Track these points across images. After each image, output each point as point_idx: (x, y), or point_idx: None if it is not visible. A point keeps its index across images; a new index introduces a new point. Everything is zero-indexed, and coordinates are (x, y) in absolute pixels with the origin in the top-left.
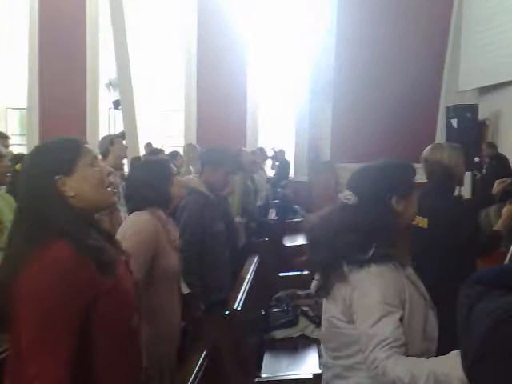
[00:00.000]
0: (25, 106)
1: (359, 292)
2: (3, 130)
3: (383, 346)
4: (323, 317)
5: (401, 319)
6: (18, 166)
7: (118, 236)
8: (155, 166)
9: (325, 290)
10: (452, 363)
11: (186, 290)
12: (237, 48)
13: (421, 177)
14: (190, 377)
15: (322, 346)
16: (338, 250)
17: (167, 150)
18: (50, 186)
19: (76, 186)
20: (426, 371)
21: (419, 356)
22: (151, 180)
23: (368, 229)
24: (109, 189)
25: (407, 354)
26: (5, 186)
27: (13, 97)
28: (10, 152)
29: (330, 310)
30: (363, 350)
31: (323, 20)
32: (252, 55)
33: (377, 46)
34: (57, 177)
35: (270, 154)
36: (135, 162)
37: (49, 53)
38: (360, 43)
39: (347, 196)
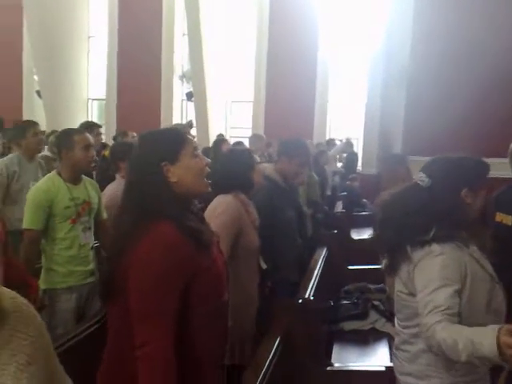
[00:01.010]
0: (104, 96)
1: (420, 266)
2: (84, 119)
3: (436, 312)
4: (394, 291)
5: (457, 292)
6: (106, 153)
7: (206, 217)
8: (241, 154)
9: (392, 268)
10: (488, 335)
11: (264, 265)
12: (307, 42)
13: (498, 173)
14: (266, 362)
15: (395, 315)
16: (403, 232)
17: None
18: (157, 172)
19: (179, 173)
20: (465, 336)
21: None
22: (237, 167)
23: (435, 213)
24: (205, 178)
25: (459, 323)
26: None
27: (93, 88)
28: (101, 139)
29: (397, 285)
30: (420, 314)
31: (399, 4)
32: (322, 46)
33: (458, 30)
34: (163, 163)
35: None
36: (206, 151)
37: (126, 46)
38: (439, 26)
39: (421, 178)
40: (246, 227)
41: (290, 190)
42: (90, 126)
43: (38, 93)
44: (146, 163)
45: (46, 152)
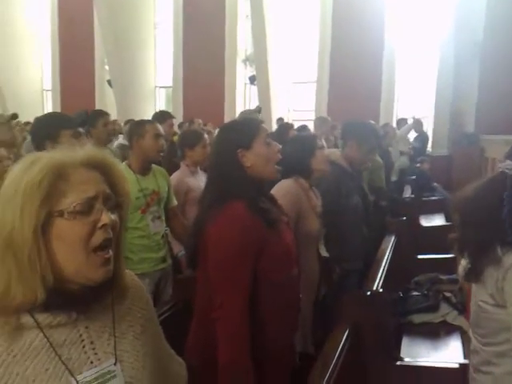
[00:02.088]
0: (170, 84)
1: None
2: (152, 107)
3: None
4: (472, 301)
5: None
6: (174, 138)
7: None
8: (301, 140)
9: (474, 273)
10: None
11: (324, 252)
12: (373, 18)
13: None
14: (334, 357)
15: (470, 330)
16: (492, 231)
17: (298, 124)
18: (233, 158)
19: (252, 158)
20: None
21: None
22: (296, 153)
23: None
24: (275, 165)
25: None
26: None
27: (160, 76)
28: (173, 130)
29: (479, 293)
30: (511, 329)
31: None
32: (389, 20)
33: None
34: (238, 150)
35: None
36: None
37: (191, 33)
38: None
39: (508, 166)
40: (305, 212)
41: (357, 176)
42: (162, 116)
43: (109, 82)
44: (224, 150)
45: (122, 140)
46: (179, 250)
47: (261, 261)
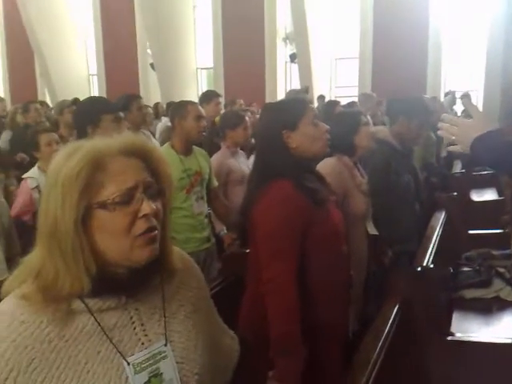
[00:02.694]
0: (211, 65)
1: None
2: (195, 89)
3: None
4: None
5: None
6: (217, 119)
7: None
8: (344, 116)
9: None
10: None
11: (373, 231)
12: None
13: None
14: (384, 331)
15: None
16: None
17: (343, 101)
18: (278, 139)
19: (298, 139)
20: None
21: None
22: (338, 129)
23: None
24: (325, 144)
25: None
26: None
27: (201, 57)
28: (220, 109)
29: None
30: None
31: None
32: None
33: None
34: (284, 131)
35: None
36: None
37: (230, 14)
38: None
39: None
40: (350, 191)
41: (407, 154)
42: (208, 96)
43: (152, 65)
44: (269, 131)
45: (168, 122)
46: (221, 228)
47: (308, 240)
